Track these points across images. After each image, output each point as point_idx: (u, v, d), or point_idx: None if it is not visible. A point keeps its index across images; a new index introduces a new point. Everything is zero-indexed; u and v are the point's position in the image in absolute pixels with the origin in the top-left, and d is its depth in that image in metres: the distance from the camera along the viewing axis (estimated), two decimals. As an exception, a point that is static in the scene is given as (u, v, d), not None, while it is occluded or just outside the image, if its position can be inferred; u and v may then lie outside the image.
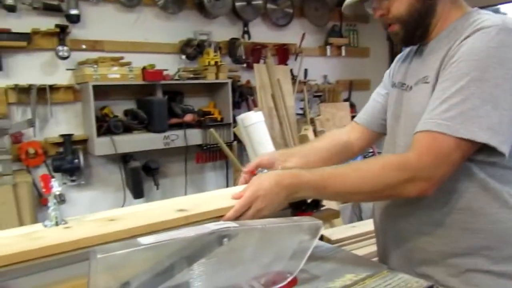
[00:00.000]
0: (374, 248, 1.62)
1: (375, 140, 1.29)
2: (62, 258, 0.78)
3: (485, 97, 0.82)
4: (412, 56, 1.11)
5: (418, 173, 0.85)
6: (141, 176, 3.09)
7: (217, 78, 3.33)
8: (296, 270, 0.83)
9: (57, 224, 0.82)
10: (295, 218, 0.87)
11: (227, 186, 3.70)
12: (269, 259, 0.82)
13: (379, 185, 0.88)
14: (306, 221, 0.85)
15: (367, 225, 1.83)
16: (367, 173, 0.90)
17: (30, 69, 2.83)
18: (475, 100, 0.82)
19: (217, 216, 0.86)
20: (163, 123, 3.07)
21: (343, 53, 4.43)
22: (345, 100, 4.36)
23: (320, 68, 4.33)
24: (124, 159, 3.12)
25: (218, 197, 0.98)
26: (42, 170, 2.89)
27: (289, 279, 0.82)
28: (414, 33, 0.99)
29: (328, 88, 4.29)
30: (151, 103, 3.05)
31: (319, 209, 1.19)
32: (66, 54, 2.83)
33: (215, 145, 3.24)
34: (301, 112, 3.93)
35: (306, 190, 0.90)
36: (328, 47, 4.30)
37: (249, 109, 3.51)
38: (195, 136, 3.23)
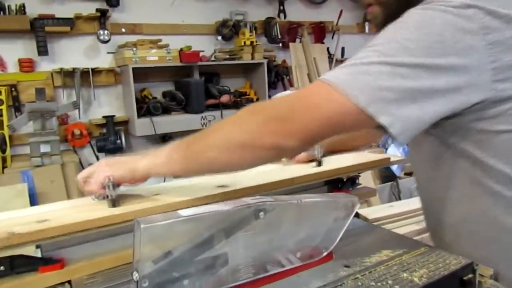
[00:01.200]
0: (412, 227, 1.61)
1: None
2: (109, 230, 0.83)
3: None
4: None
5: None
6: (180, 156, 3.17)
7: (252, 58, 3.33)
8: (332, 246, 0.84)
9: (107, 197, 0.87)
10: (331, 194, 0.87)
11: (264, 166, 3.73)
12: (305, 234, 0.84)
13: (231, 131, 0.76)
14: (342, 197, 0.85)
15: (405, 204, 1.81)
16: (220, 122, 0.79)
17: (73, 53, 2.95)
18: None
19: (256, 192, 0.89)
20: (200, 104, 3.12)
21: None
22: (384, 79, 4.24)
23: (358, 46, 4.13)
24: (163, 139, 3.21)
25: (257, 174, 0.99)
26: (88, 151, 3.04)
27: (324, 254, 0.83)
28: (395, 18, 0.79)
29: (366, 66, 4.18)
30: (189, 84, 3.11)
31: (356, 187, 1.19)
32: (106, 37, 2.92)
33: (252, 126, 3.26)
34: (338, 91, 3.86)
35: (160, 151, 0.83)
36: (366, 24, 4.18)
37: (285, 89, 3.49)
38: (231, 117, 3.25)
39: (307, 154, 1.07)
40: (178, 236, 0.70)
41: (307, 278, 0.75)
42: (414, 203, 1.71)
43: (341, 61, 3.96)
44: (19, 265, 0.79)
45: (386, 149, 3.42)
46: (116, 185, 0.85)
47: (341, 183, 1.19)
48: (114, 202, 0.86)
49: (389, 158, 1.15)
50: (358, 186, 1.21)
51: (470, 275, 0.75)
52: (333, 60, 3.81)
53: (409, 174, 2.98)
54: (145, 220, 0.64)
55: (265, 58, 3.43)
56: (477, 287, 0.75)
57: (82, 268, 0.82)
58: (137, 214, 0.80)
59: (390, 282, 0.71)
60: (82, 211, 0.84)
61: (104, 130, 3.01)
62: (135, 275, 0.66)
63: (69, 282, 0.81)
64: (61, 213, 0.85)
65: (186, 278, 0.71)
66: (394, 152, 3.03)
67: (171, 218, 0.66)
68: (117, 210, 0.82)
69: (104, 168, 0.85)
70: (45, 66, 2.86)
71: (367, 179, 2.72)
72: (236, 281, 0.74)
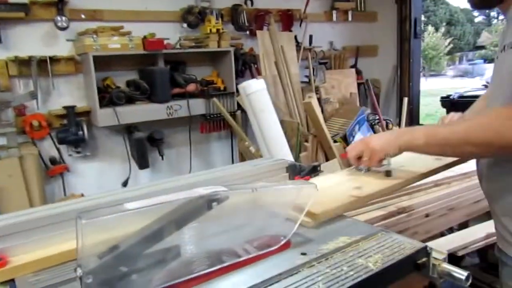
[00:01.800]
0: (377, 213, 1.62)
1: None
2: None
3: None
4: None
5: None
6: (146, 147, 3.10)
7: (219, 46, 3.27)
8: (290, 233, 0.82)
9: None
10: (289, 181, 0.86)
11: (233, 156, 3.70)
12: (262, 223, 0.82)
13: (489, 133, 0.87)
14: (299, 184, 0.84)
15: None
16: (477, 122, 0.92)
17: (29, 41, 2.80)
18: None
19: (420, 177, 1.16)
20: (166, 93, 3.05)
21: (350, 18, 4.30)
22: (352, 67, 4.28)
23: (326, 34, 4.22)
24: (128, 130, 3.12)
25: (417, 159, 1.18)
26: (48, 143, 2.92)
27: (282, 242, 0.81)
28: None
29: (334, 54, 4.20)
30: (153, 73, 3.02)
31: (317, 174, 1.18)
32: (65, 24, 2.79)
33: (219, 115, 3.22)
34: (306, 79, 3.87)
35: (416, 133, 0.99)
36: (334, 12, 4.18)
37: (252, 77, 3.45)
38: (198, 106, 3.20)
39: None
40: (124, 229, 0.66)
41: (263, 267, 0.74)
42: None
43: (309, 50, 3.97)
44: (-42, 264, 0.75)
45: (353, 136, 3.47)
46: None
47: (303, 170, 1.18)
48: (390, 172, 1.13)
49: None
50: (320, 173, 1.21)
51: (424, 259, 0.76)
52: (301, 48, 3.80)
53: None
54: (87, 215, 0.60)
55: (232, 46, 3.37)
56: (431, 270, 0.76)
57: (26, 266, 0.78)
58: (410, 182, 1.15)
59: (345, 268, 0.71)
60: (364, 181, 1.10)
61: (65, 121, 2.89)
62: (79, 271, 0.62)
63: (12, 280, 0.77)
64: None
65: (135, 272, 0.67)
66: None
67: (115, 212, 0.63)
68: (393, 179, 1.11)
69: (375, 145, 1.07)
70: (-2, 54, 2.71)
71: (335, 166, 2.74)
72: (190, 274, 0.71)
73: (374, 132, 3.53)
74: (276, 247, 0.80)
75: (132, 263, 0.67)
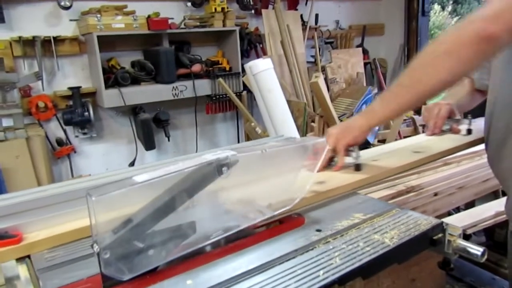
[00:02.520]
0: (386, 192, 1.62)
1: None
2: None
3: None
4: None
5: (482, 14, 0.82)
6: (152, 128, 3.10)
7: (224, 25, 3.22)
8: (303, 193, 0.82)
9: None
10: (298, 139, 0.84)
11: (238, 137, 3.69)
12: (275, 183, 0.81)
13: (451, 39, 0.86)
14: (309, 141, 0.83)
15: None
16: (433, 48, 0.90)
17: (33, 21, 2.77)
18: None
19: (392, 172, 1.10)
20: (171, 74, 3.03)
21: (356, -4, 4.22)
22: (358, 46, 4.22)
23: (332, 13, 4.15)
24: (134, 111, 3.11)
25: (444, 139, 1.24)
26: (54, 124, 2.92)
27: (296, 201, 0.81)
28: None
29: (340, 34, 4.14)
30: (158, 53, 2.99)
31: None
32: (68, 3, 2.75)
33: (225, 95, 3.20)
34: (312, 59, 3.82)
35: (379, 101, 1.00)
36: (340, -10, 4.10)
37: (258, 58, 3.42)
38: (204, 87, 3.18)
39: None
40: (136, 202, 0.66)
41: (279, 244, 0.73)
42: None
43: (315, 29, 3.91)
44: (-28, 240, 0.75)
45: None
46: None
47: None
48: (359, 166, 1.04)
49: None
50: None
51: (440, 235, 0.75)
52: (307, 28, 3.74)
53: (382, 141, 3.01)
54: (97, 191, 0.60)
55: (237, 25, 3.33)
56: (446, 246, 0.76)
57: (41, 243, 0.78)
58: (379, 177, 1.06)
59: (361, 244, 0.71)
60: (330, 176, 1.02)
61: (71, 102, 2.89)
62: (95, 247, 0.62)
63: (28, 257, 0.77)
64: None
65: (151, 247, 0.67)
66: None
67: (125, 186, 0.62)
68: (362, 174, 1.02)
69: (339, 137, 1.02)
70: (2, 34, 2.68)
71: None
72: (206, 240, 0.71)
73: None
74: (291, 205, 0.80)
75: (147, 236, 0.66)
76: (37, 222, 0.82)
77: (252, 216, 0.78)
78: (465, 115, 1.42)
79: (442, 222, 0.76)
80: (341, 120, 3.13)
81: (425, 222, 0.76)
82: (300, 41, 3.58)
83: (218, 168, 0.67)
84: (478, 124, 1.29)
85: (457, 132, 1.39)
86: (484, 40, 0.80)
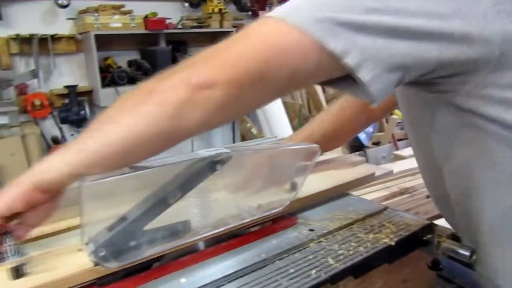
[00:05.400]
0: (380, 193, 1.64)
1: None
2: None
3: None
4: None
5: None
6: (147, 128, 3.10)
7: (221, 26, 3.24)
8: (293, 196, 0.83)
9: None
10: (292, 143, 0.86)
11: (234, 137, 3.70)
12: (266, 184, 0.82)
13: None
14: (302, 145, 0.84)
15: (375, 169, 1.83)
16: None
17: (30, 19, 2.77)
18: None
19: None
20: (168, 74, 3.03)
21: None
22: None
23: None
24: (130, 110, 3.11)
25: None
26: (50, 122, 2.91)
27: (285, 204, 0.82)
28: None
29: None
30: (155, 53, 3.00)
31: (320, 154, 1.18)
32: (65, 2, 2.76)
33: (221, 96, 3.21)
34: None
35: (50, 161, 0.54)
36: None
37: (254, 59, 3.43)
38: (200, 87, 3.19)
39: None
40: (130, 197, 0.67)
41: (271, 242, 0.74)
42: (381, 170, 1.72)
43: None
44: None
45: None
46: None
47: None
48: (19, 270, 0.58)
49: (373, 174, 1.00)
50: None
51: (430, 236, 0.77)
52: (304, 30, 3.76)
53: (376, 143, 3.03)
54: (89, 178, 0.60)
55: (234, 26, 3.34)
56: (435, 247, 0.77)
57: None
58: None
59: (353, 244, 0.72)
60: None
61: (67, 101, 2.89)
62: (91, 246, 0.63)
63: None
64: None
65: (145, 244, 0.68)
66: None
67: (118, 174, 0.62)
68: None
69: None
70: (-1, 32, 2.69)
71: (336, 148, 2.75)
72: (196, 236, 0.72)
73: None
74: (281, 208, 0.81)
75: (142, 234, 0.67)
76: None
77: (242, 216, 0.79)
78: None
79: (431, 223, 0.77)
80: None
81: (415, 223, 0.78)
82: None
83: (211, 165, 0.68)
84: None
85: None
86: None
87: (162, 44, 3.06)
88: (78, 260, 0.64)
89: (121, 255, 0.65)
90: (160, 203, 0.67)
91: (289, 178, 0.83)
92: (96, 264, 0.63)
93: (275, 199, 0.81)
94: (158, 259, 0.71)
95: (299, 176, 0.83)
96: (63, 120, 2.87)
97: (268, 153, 0.80)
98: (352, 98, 0.96)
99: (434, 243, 0.77)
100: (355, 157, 0.87)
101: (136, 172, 0.62)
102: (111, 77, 2.85)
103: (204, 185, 0.70)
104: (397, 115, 2.93)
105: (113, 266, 0.63)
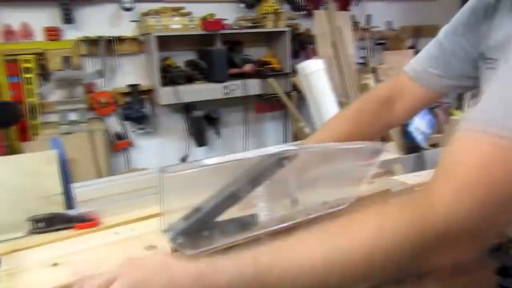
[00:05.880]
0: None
1: (432, 101, 0.89)
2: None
3: None
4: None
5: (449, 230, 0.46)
6: (203, 125, 3.21)
7: (276, 26, 3.27)
8: (356, 194, 0.84)
9: None
10: (355, 142, 0.86)
11: (286, 137, 3.73)
12: (331, 183, 0.84)
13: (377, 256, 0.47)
14: (366, 144, 0.85)
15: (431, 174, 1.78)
16: (350, 242, 0.49)
17: (97, 22, 2.96)
18: None
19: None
20: (223, 73, 3.12)
21: (409, -4, 4.12)
22: (410, 48, 4.12)
23: (384, 14, 4.08)
24: (187, 108, 3.23)
25: None
26: (113, 119, 3.09)
27: (351, 201, 0.84)
28: None
29: (392, 35, 4.06)
30: (211, 53, 3.09)
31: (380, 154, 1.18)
32: (129, 5, 2.91)
33: (274, 95, 3.25)
34: (361, 61, 3.78)
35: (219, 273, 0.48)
36: (393, -10, 4.03)
37: (308, 59, 3.43)
38: (254, 86, 3.25)
39: None
40: (204, 188, 0.71)
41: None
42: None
43: (366, 30, 3.86)
44: (57, 222, 0.84)
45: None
46: None
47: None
48: None
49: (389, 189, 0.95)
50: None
51: (501, 241, 0.75)
52: (358, 29, 3.71)
53: (434, 145, 2.93)
54: (169, 169, 0.65)
55: (288, 26, 3.36)
56: (505, 252, 0.75)
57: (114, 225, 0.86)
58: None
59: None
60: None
61: (129, 99, 3.05)
62: (169, 233, 0.69)
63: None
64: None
65: (216, 234, 0.73)
66: (418, 125, 2.96)
67: (195, 167, 0.67)
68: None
69: None
70: (70, 34, 2.89)
71: (391, 148, 2.69)
72: (263, 229, 0.75)
73: (435, 116, 3.40)
74: (344, 206, 0.83)
75: (214, 224, 0.72)
76: (112, 208, 0.90)
77: (308, 212, 0.82)
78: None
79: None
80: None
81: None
82: (350, 42, 3.56)
83: (279, 161, 0.71)
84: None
85: None
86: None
87: (218, 45, 3.14)
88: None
89: (195, 244, 0.70)
90: (231, 196, 0.72)
91: (352, 176, 0.85)
92: (175, 250, 0.69)
93: (339, 196, 0.83)
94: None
95: (362, 174, 0.84)
96: (126, 117, 3.04)
97: (333, 151, 0.82)
98: (369, 101, 0.92)
99: (506, 248, 0.75)
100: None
101: (211, 166, 0.67)
102: (170, 77, 2.98)
103: (273, 181, 0.74)
104: (457, 115, 2.82)
105: (189, 253, 0.68)
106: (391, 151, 2.57)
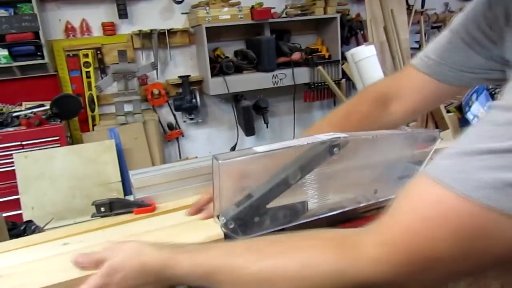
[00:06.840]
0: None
1: (446, 96, 0.80)
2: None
3: None
4: None
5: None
6: (252, 115, 3.23)
7: (325, 12, 3.21)
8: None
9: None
10: (409, 129, 0.84)
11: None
12: (382, 171, 0.83)
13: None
14: (420, 132, 0.82)
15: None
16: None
17: (150, 15, 3.06)
18: None
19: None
20: (272, 63, 3.11)
21: (470, -26, 3.87)
22: (470, 30, 3.88)
23: (440, -5, 3.88)
24: (236, 98, 3.27)
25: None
26: (166, 110, 3.20)
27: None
28: None
29: (449, 17, 3.85)
30: (260, 42, 3.09)
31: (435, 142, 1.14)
32: (180, -2, 2.97)
33: (323, 83, 3.20)
34: (416, 45, 3.62)
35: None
36: (451, -30, 3.81)
37: (358, 45, 3.34)
38: (302, 75, 3.22)
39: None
40: (255, 175, 0.73)
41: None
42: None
43: (420, 13, 3.68)
44: (117, 207, 0.89)
45: (470, 106, 3.19)
46: None
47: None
48: None
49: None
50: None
51: None
52: (412, 12, 3.55)
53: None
54: (222, 156, 0.67)
55: (338, 12, 3.29)
56: None
57: (171, 212, 0.90)
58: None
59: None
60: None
61: (180, 90, 3.14)
62: (222, 219, 0.71)
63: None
64: None
65: (266, 219, 0.74)
66: (477, 112, 2.80)
67: (247, 154, 0.69)
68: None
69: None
70: (125, 29, 3.01)
71: (447, 136, 2.58)
72: (312, 216, 0.76)
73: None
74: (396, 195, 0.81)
75: (265, 211, 0.73)
76: (167, 194, 0.94)
77: (358, 200, 0.81)
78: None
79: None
80: (448, 111, 2.94)
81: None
82: (404, 26, 3.41)
83: (330, 148, 0.71)
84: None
85: None
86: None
87: (267, 33, 3.14)
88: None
89: (247, 229, 0.72)
90: (282, 183, 0.72)
91: (406, 164, 0.82)
92: (226, 235, 0.71)
93: (391, 185, 0.81)
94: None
95: (417, 162, 0.82)
96: (177, 108, 3.13)
97: (385, 139, 0.80)
98: (361, 101, 0.86)
99: None
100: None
101: (263, 153, 0.68)
102: (220, 67, 3.02)
103: (322, 168, 0.74)
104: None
105: (240, 238, 0.70)
106: (447, 139, 2.46)
